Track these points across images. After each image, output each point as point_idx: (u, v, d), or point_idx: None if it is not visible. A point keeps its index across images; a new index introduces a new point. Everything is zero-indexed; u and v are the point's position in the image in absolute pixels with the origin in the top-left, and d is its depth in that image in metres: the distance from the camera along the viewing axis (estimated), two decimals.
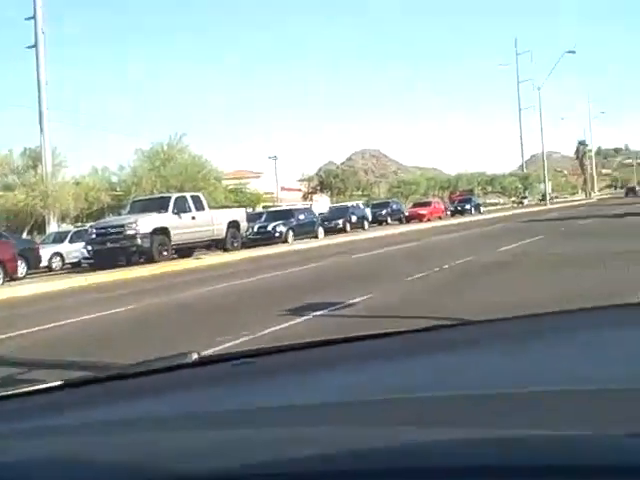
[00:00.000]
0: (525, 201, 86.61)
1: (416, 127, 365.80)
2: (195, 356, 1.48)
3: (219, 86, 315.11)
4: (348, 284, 11.27)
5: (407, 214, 45.73)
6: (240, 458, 0.86)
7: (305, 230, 30.45)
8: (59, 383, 1.42)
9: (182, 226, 22.41)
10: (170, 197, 23.84)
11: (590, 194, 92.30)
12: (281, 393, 1.27)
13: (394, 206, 47.46)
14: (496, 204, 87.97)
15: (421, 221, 42.55)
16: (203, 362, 1.52)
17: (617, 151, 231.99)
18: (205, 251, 24.67)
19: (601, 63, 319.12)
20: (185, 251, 23.33)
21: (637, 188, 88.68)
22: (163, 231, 21.79)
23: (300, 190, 76.42)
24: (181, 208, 22.86)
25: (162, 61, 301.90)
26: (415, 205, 49.61)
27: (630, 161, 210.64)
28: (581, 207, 48.23)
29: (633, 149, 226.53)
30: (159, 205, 23.06)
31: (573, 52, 57.23)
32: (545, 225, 25.50)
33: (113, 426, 1.11)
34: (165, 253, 21.82)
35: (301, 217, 30.85)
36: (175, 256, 22.71)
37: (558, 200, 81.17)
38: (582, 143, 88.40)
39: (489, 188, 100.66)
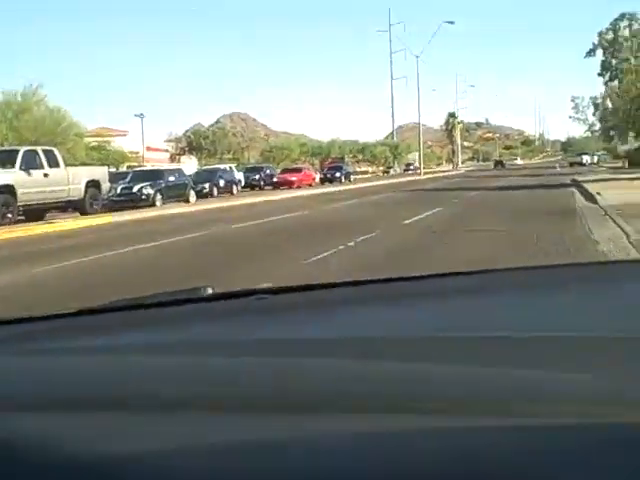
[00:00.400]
0: (391, 171, 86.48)
1: (286, 91, 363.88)
2: (210, 291, 1.55)
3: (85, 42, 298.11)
4: (234, 265, 9.13)
5: (276, 180, 43.53)
6: (246, 384, 0.90)
7: (175, 193, 27.78)
8: (74, 310, 1.49)
9: (31, 184, 19.62)
10: (18, 151, 20.81)
11: (457, 165, 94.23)
12: (291, 328, 1.30)
13: (267, 171, 46.00)
14: (366, 172, 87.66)
15: (291, 188, 40.66)
16: (217, 297, 1.56)
17: (478, 125, 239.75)
18: (60, 214, 21.66)
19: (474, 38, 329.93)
20: (35, 213, 20.43)
21: (504, 161, 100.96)
22: (8, 189, 18.88)
23: (167, 151, 72.49)
24: (31, 164, 20.12)
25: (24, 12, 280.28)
26: (285, 171, 46.99)
27: (490, 135, 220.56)
28: (455, 178, 48.14)
29: (493, 123, 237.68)
30: (4, 159, 20.13)
31: (452, 22, 57.08)
32: (434, 196, 24.53)
33: (133, 350, 1.15)
34: (10, 215, 18.79)
35: (171, 179, 28.07)
36: (22, 218, 19.88)
37: (426, 170, 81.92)
38: (452, 115, 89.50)
39: (360, 156, 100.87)
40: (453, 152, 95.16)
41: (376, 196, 26.42)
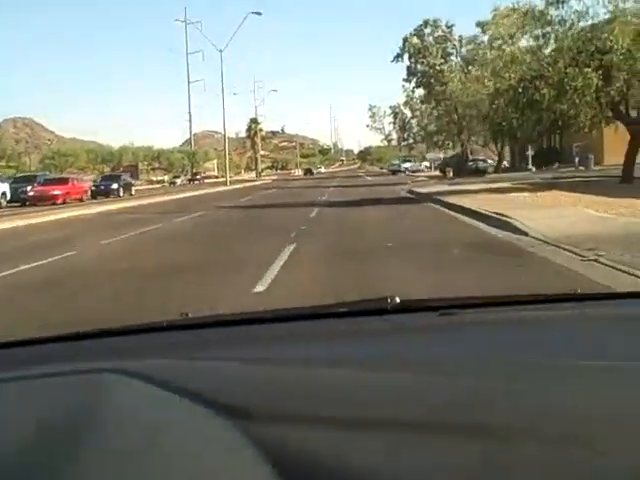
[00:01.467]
0: (178, 180, 78.63)
1: (75, 96, 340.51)
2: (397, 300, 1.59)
3: None
4: None
5: (32, 194, 33.82)
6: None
7: None
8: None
9: None
10: None
11: (260, 174, 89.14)
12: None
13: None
14: (162, 182, 79.29)
15: (55, 204, 32.16)
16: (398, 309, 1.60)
17: (274, 134, 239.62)
18: None
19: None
20: None
21: (313, 170, 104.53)
22: None
23: None
24: None
25: None
26: (45, 182, 36.48)
27: (286, 143, 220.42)
28: (269, 189, 42.30)
29: (288, 132, 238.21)
30: None
31: (259, 13, 51.68)
32: (264, 218, 18.53)
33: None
34: None
35: None
36: None
37: (231, 179, 75.63)
38: (254, 121, 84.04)
39: (156, 164, 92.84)
40: (255, 160, 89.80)
41: (151, 228, 16.45)
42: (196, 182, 77.07)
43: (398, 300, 1.59)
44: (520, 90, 20.53)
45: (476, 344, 1.38)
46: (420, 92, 66.96)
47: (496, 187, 25.33)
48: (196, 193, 40.50)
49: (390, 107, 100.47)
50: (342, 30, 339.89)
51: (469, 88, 44.12)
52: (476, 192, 22.91)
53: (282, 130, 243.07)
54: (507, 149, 49.48)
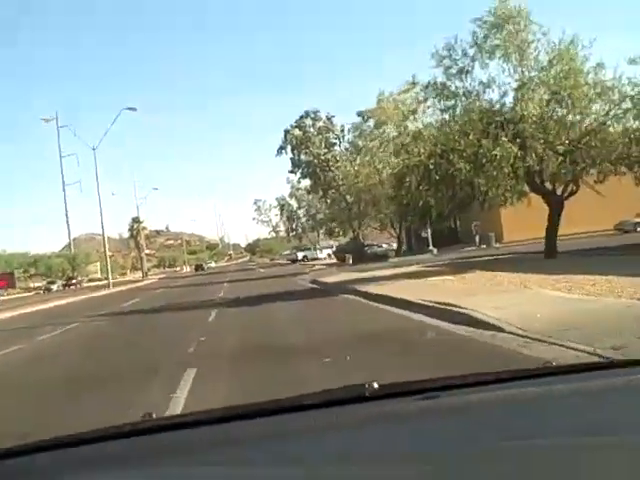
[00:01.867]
0: (54, 286, 73.35)
1: None
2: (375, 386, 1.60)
3: None
4: None
5: None
6: None
7: None
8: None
9: None
10: None
11: (146, 274, 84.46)
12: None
13: None
14: (39, 288, 73.19)
15: None
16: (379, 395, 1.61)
17: (159, 232, 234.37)
18: None
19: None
20: None
21: (204, 265, 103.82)
22: None
23: None
24: None
25: None
26: None
27: (172, 242, 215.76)
28: (158, 289, 38.62)
29: (173, 230, 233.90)
30: None
31: (134, 109, 48.98)
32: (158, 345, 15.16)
33: None
34: None
35: None
36: None
37: (114, 281, 70.70)
38: (136, 220, 79.92)
39: (33, 270, 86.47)
40: (140, 260, 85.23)
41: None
42: (72, 287, 71.67)
43: (377, 385, 1.55)
44: (431, 165, 18.56)
45: (467, 430, 1.34)
46: (306, 183, 65.96)
47: (409, 272, 23.20)
48: (72, 300, 36.12)
49: (276, 199, 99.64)
50: (226, 122, 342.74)
51: (361, 173, 43.01)
52: (390, 278, 20.59)
53: (167, 228, 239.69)
54: (402, 232, 48.10)
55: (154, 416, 1.73)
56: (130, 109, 48.33)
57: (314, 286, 24.00)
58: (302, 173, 63.91)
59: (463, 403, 1.54)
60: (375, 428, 1.40)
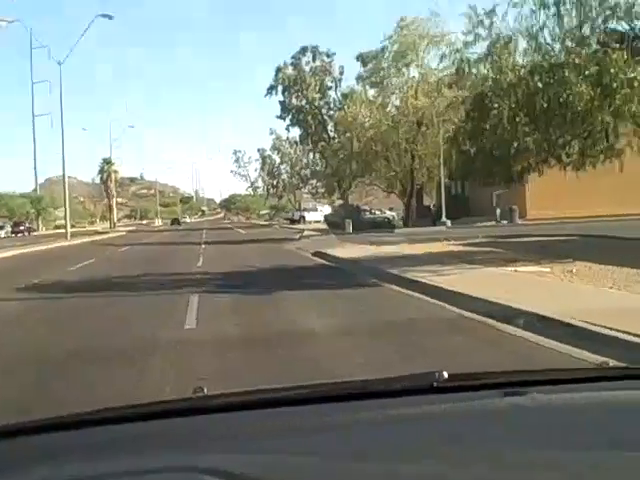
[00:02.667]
0: (1, 232, 65.43)
1: None
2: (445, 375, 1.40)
3: None
4: None
5: None
6: None
7: None
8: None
9: None
10: None
11: (114, 225, 77.52)
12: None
13: None
14: None
15: None
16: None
17: (132, 180, 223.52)
18: None
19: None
20: None
21: (180, 219, 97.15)
22: None
23: None
24: None
25: None
26: None
27: (145, 191, 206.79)
28: (123, 248, 32.18)
29: (147, 179, 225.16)
30: None
31: (110, 17, 42.03)
32: None
33: None
34: None
35: None
36: None
37: (77, 230, 64.09)
38: (107, 162, 72.13)
39: None
40: (109, 208, 78.04)
41: None
42: (20, 234, 64.45)
43: (446, 375, 1.39)
44: (540, 83, 12.12)
45: (561, 434, 1.18)
46: (295, 133, 59.54)
47: (446, 251, 17.47)
48: (12, 253, 29.41)
49: (258, 150, 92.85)
50: (209, 67, 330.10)
51: (372, 117, 36.06)
52: (433, 260, 14.80)
53: (141, 176, 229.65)
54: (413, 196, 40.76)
55: (205, 391, 1.50)
56: (105, 16, 41.31)
57: (323, 262, 18.12)
58: (292, 120, 57.40)
59: (553, 402, 1.36)
60: (444, 424, 1.24)
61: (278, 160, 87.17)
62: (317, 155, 59.45)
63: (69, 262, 20.84)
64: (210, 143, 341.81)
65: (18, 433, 1.26)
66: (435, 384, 1.39)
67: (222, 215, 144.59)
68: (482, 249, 17.75)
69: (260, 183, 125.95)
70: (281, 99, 56.85)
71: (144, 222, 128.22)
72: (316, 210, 63.01)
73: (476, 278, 11.28)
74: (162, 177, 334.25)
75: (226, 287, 12.53)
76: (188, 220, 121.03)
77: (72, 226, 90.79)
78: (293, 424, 1.30)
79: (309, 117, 57.32)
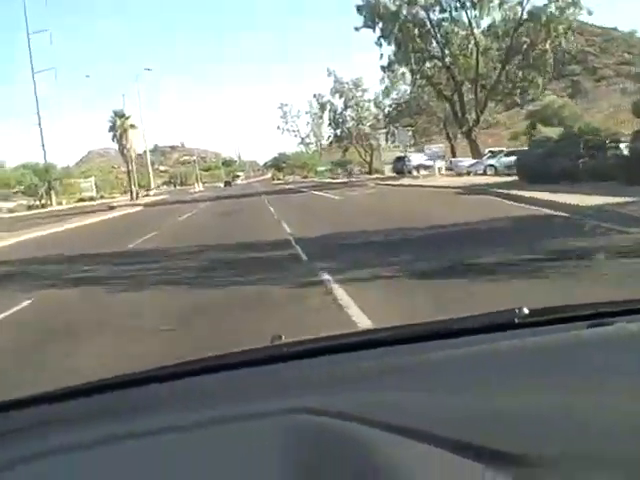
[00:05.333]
0: None
1: None
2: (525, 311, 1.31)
3: None
4: None
5: None
6: None
7: None
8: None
9: None
10: None
11: (137, 194, 57.09)
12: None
13: None
14: None
15: None
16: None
17: (174, 148, 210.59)
18: None
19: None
20: None
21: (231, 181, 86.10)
22: None
23: None
24: None
25: None
26: None
27: (187, 158, 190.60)
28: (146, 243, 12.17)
29: (189, 146, 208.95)
30: None
31: None
32: None
33: None
34: None
35: None
36: None
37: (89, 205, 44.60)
38: (120, 115, 50.74)
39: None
40: (128, 175, 56.93)
41: None
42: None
43: (527, 311, 1.30)
44: None
45: None
46: (390, 50, 37.46)
47: None
48: None
49: (314, 95, 71.20)
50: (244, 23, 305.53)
51: None
52: None
53: (182, 144, 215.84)
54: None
55: (283, 338, 1.43)
56: None
57: None
58: (383, 30, 35.56)
59: None
60: (528, 359, 1.14)
61: (341, 106, 65.74)
62: (420, 82, 37.92)
63: None
64: (253, 100, 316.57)
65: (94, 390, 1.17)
66: (516, 320, 1.29)
67: (269, 176, 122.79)
68: None
69: (312, 138, 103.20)
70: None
71: (182, 189, 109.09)
72: (423, 153, 38.90)
73: None
74: (204, 143, 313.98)
75: None
76: (239, 182, 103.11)
77: (102, 197, 72.11)
78: (388, 364, 1.20)
79: (409, 26, 35.49)
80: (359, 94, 62.94)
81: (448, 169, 33.38)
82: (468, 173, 29.81)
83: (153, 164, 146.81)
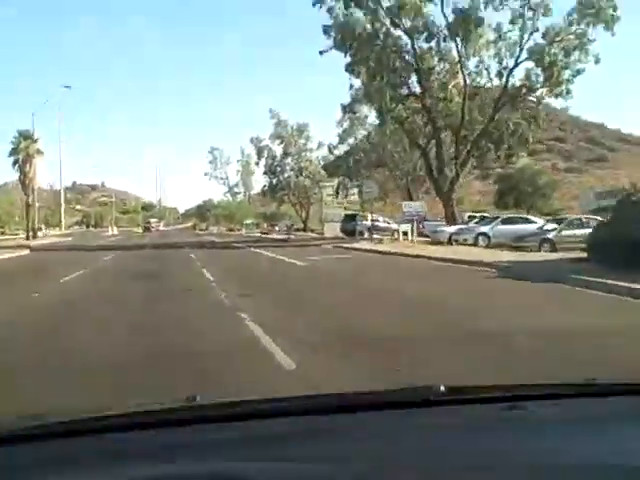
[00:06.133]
0: None
1: None
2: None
3: None
4: None
5: None
6: None
7: None
8: None
9: None
10: None
11: (36, 233, 48.06)
12: None
13: None
14: None
15: None
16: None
17: (93, 187, 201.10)
18: None
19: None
20: None
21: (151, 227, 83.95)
22: None
23: None
24: None
25: None
26: None
27: (106, 199, 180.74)
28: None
29: (109, 186, 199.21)
30: None
31: None
32: None
33: None
34: None
35: None
36: None
37: None
38: (25, 136, 41.67)
39: None
40: (26, 207, 46.90)
41: None
42: None
43: (443, 388, 1.30)
44: None
45: (561, 448, 1.08)
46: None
47: None
48: None
49: (251, 140, 64.57)
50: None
51: None
52: None
53: (102, 184, 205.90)
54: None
55: (198, 399, 1.42)
56: None
57: None
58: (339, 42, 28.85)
59: (548, 416, 1.27)
60: (438, 437, 1.16)
61: (280, 152, 59.27)
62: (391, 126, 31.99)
63: None
64: (182, 144, 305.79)
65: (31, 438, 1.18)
66: (432, 397, 1.29)
67: (190, 225, 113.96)
68: None
69: (241, 187, 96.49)
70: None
71: (95, 230, 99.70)
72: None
73: None
74: (126, 185, 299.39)
75: None
76: (162, 228, 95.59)
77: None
78: (283, 433, 1.21)
79: (389, 52, 29.04)
80: (302, 141, 56.80)
81: (421, 234, 27.01)
82: (451, 242, 23.55)
83: (70, 202, 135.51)
